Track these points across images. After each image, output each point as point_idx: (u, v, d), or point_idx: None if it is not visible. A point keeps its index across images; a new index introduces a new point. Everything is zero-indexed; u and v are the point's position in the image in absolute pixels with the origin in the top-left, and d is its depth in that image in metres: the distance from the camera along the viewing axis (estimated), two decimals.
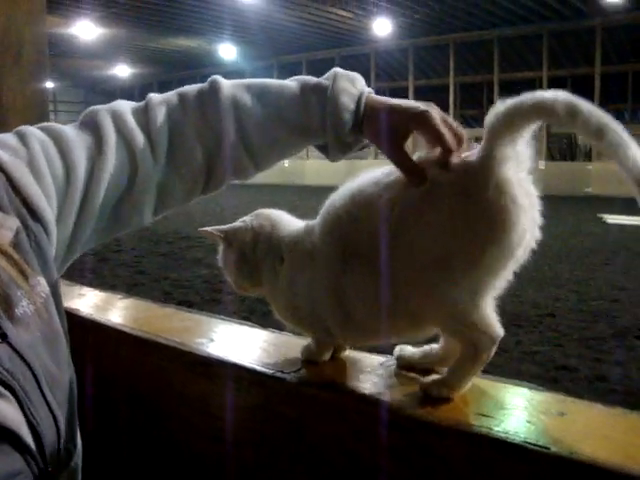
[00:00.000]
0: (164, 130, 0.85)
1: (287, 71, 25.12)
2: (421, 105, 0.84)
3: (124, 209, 0.85)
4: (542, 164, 19.09)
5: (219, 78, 0.90)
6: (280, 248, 0.99)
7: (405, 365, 0.96)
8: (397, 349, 0.98)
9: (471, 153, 0.83)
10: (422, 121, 0.83)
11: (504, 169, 0.79)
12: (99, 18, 17.94)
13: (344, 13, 18.28)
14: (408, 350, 0.97)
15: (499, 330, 0.83)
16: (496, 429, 0.73)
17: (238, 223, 1.04)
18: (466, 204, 0.80)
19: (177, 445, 1.10)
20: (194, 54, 24.80)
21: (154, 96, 0.89)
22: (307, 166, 22.41)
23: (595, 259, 7.65)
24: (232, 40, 21.98)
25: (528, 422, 0.74)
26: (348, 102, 0.86)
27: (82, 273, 6.54)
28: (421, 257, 0.81)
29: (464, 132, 0.84)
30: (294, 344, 1.04)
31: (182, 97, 0.89)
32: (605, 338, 4.48)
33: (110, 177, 0.81)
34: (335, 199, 0.91)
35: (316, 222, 0.95)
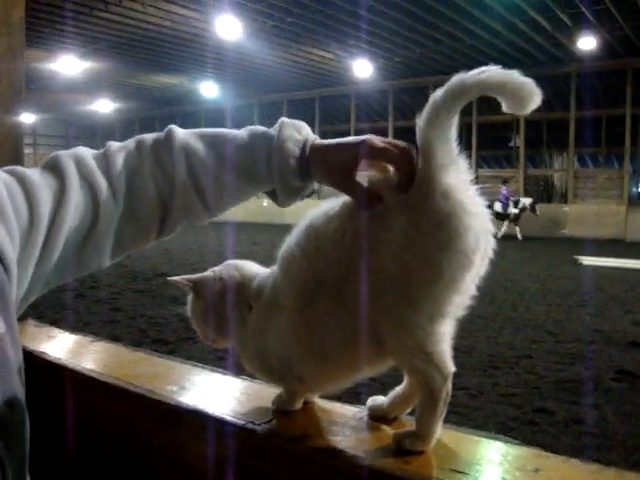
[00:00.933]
0: (122, 175, 0.88)
1: (268, 110, 25.40)
2: (362, 140, 0.87)
3: (86, 251, 0.86)
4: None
5: (174, 127, 0.94)
6: (248, 297, 0.99)
7: (377, 415, 0.94)
8: (369, 400, 0.97)
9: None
10: (366, 147, 0.86)
11: (445, 175, 0.81)
12: (82, 53, 18.04)
13: (325, 54, 18.58)
14: (379, 400, 0.96)
15: (451, 366, 0.83)
16: None
17: (207, 273, 1.04)
18: (415, 217, 0.80)
19: None
20: (176, 91, 24.97)
21: (113, 143, 0.93)
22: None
23: (571, 301, 7.71)
24: (214, 78, 22.20)
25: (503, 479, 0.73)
26: (293, 148, 0.89)
27: (57, 310, 6.51)
28: (379, 279, 0.81)
29: (412, 149, 0.86)
30: (267, 393, 1.03)
31: (139, 144, 0.92)
32: (581, 380, 4.50)
33: (73, 219, 0.83)
34: (289, 239, 0.92)
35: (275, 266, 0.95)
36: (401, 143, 0.86)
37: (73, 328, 4.76)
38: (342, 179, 0.87)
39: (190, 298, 1.04)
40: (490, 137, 23.43)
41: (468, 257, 0.79)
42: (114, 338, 5.41)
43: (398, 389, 0.94)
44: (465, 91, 0.81)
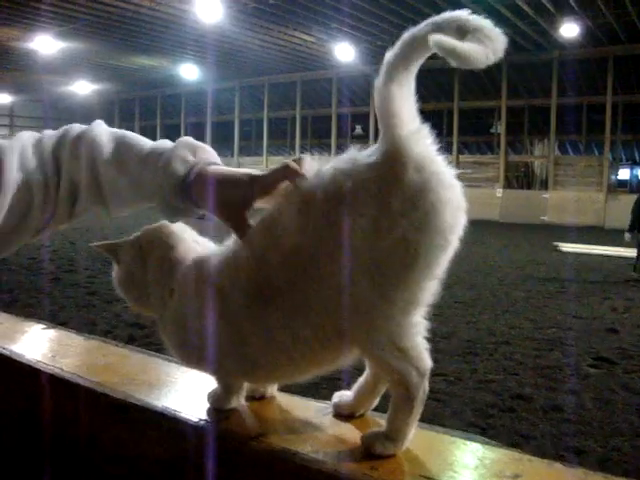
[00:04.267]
0: (52, 165, 0.94)
1: (248, 93, 25.18)
2: (249, 178, 0.84)
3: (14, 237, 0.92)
4: (499, 192, 19.44)
5: (98, 124, 0.96)
6: (172, 277, 0.90)
7: (343, 413, 0.87)
8: (335, 396, 0.89)
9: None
10: (258, 186, 0.83)
11: (415, 144, 0.73)
12: (59, 33, 17.67)
13: (307, 37, 18.40)
14: (345, 396, 0.88)
15: (428, 362, 0.75)
16: None
17: (131, 237, 0.96)
18: (385, 196, 0.72)
19: None
20: (156, 73, 24.62)
21: (47, 132, 0.98)
22: None
23: (550, 287, 7.73)
24: (194, 61, 21.91)
25: None
26: (178, 168, 0.87)
27: (32, 294, 6.41)
28: (346, 271, 0.72)
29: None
30: None
31: (64, 136, 0.96)
32: (560, 367, 4.50)
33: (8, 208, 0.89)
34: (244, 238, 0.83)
35: (219, 256, 0.86)
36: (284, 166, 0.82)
37: (48, 312, 4.68)
38: (229, 218, 0.84)
39: (113, 265, 0.97)
40: (471, 123, 23.45)
41: (446, 237, 0.72)
42: (89, 322, 5.36)
43: (362, 381, 0.86)
44: (418, 40, 0.73)
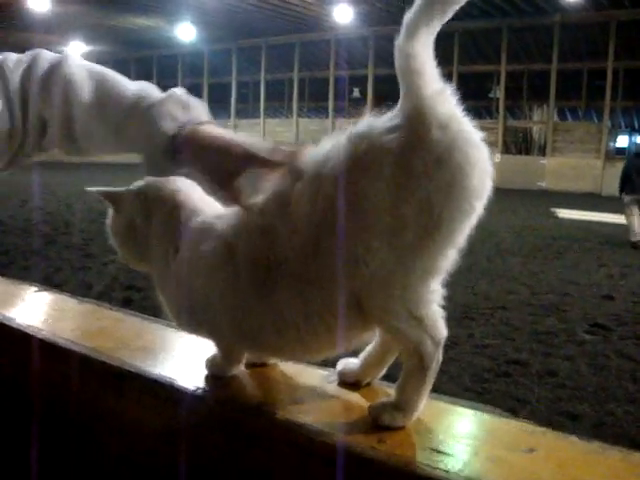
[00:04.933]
0: (19, 95, 0.90)
1: (246, 55, 24.80)
2: (245, 146, 0.80)
3: None
4: (497, 157, 19.33)
5: (70, 57, 0.92)
6: (178, 234, 0.85)
7: (349, 381, 0.84)
8: (340, 363, 0.86)
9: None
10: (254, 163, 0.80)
11: (441, 105, 0.69)
12: None
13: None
14: (351, 363, 0.85)
15: (443, 331, 0.72)
16: (453, 471, 0.61)
17: (133, 187, 0.90)
18: (408, 158, 0.67)
19: (86, 465, 0.96)
20: (152, 34, 24.17)
21: (10, 55, 0.95)
22: None
23: (547, 253, 7.73)
24: (191, 21, 21.50)
25: (492, 462, 0.62)
26: (168, 127, 0.83)
27: (27, 256, 6.37)
28: (361, 238, 0.69)
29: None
30: None
31: (33, 66, 0.92)
32: (555, 332, 4.51)
33: None
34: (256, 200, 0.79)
35: (228, 221, 0.82)
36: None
37: (44, 274, 4.65)
38: (218, 185, 0.81)
39: (110, 212, 0.91)
40: (470, 88, 23.18)
41: (471, 202, 0.68)
42: (85, 285, 5.34)
43: (370, 349, 0.83)
44: None
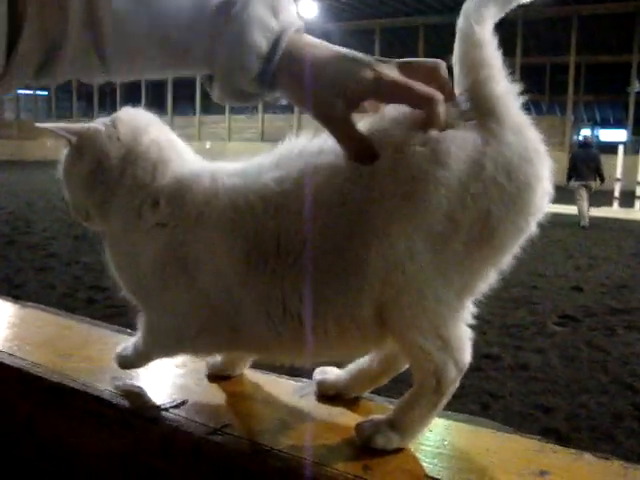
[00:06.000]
0: None
1: None
2: (375, 65, 0.60)
3: None
4: None
5: None
6: (158, 185, 0.71)
7: (328, 393, 0.73)
8: (317, 372, 0.75)
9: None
10: (387, 87, 0.59)
11: (513, 104, 0.62)
12: None
13: None
14: (332, 373, 0.75)
15: (468, 355, 0.63)
16: None
17: (98, 124, 0.75)
18: (481, 158, 0.59)
19: None
20: None
21: None
22: (229, 148, 21.93)
23: None
24: None
25: None
26: (259, 40, 0.60)
27: None
28: (409, 234, 0.59)
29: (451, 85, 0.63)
30: (196, 366, 0.79)
31: None
32: (525, 325, 4.51)
33: None
34: (250, 181, 0.67)
35: (233, 183, 0.68)
36: (446, 82, 0.62)
37: (3, 276, 4.49)
38: (332, 115, 0.60)
39: (65, 153, 0.76)
40: None
41: (527, 220, 0.61)
42: (47, 285, 5.20)
43: (363, 364, 0.73)
44: None
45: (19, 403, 0.82)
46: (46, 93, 29.72)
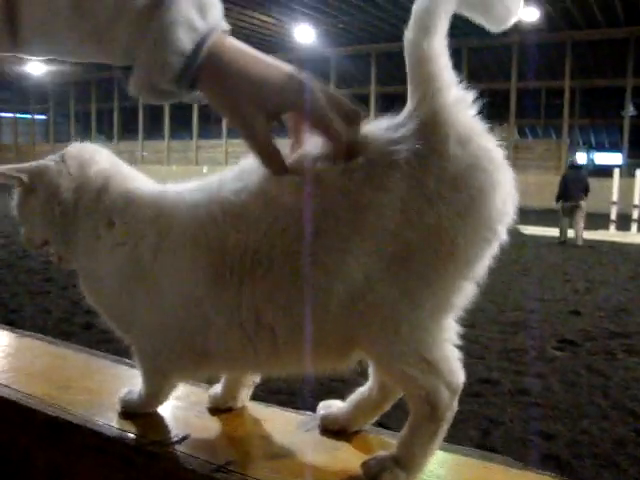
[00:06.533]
0: None
1: None
2: (294, 78, 0.60)
3: None
4: None
5: None
6: (111, 206, 0.73)
7: (332, 428, 0.72)
8: (322, 406, 0.74)
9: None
10: (310, 107, 0.60)
11: (459, 112, 0.60)
12: None
13: (266, 18, 18.08)
14: (335, 406, 0.73)
15: (460, 376, 0.62)
16: None
17: (47, 161, 0.78)
18: (420, 175, 0.58)
19: None
20: None
21: None
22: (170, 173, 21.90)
23: (512, 269, 7.73)
24: None
25: None
26: (184, 39, 0.58)
27: None
28: (364, 262, 0.58)
29: (359, 111, 0.62)
30: (197, 399, 0.77)
31: None
32: (525, 350, 4.46)
33: None
34: (212, 194, 0.67)
35: (193, 199, 0.69)
36: (348, 106, 0.62)
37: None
38: (249, 124, 0.60)
39: (19, 192, 0.79)
40: None
41: (492, 228, 0.60)
42: (44, 310, 5.14)
43: (363, 392, 0.71)
44: None
45: (17, 435, 0.80)
46: (44, 117, 29.86)
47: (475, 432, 3.07)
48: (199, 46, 0.59)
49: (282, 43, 20.89)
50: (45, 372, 0.90)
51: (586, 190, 10.34)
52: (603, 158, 27.58)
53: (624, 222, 11.68)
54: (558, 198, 10.47)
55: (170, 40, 0.58)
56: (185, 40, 0.58)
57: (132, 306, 0.71)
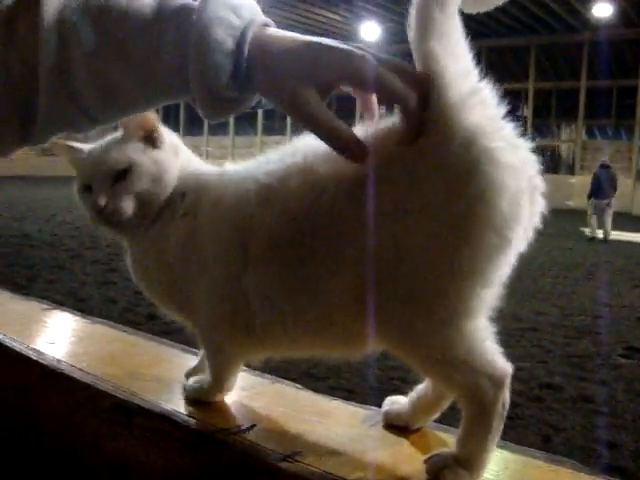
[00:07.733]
0: None
1: None
2: (349, 50, 0.58)
3: None
4: None
5: None
6: (184, 182, 0.78)
7: (397, 424, 0.71)
8: (387, 402, 0.74)
9: None
10: (363, 74, 0.56)
11: (466, 111, 0.56)
12: None
13: (332, 15, 18.10)
14: (399, 403, 0.73)
15: (503, 365, 0.61)
16: None
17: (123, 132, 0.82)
18: (419, 184, 0.56)
19: None
20: None
21: None
22: None
23: (577, 273, 7.54)
24: None
25: None
26: (223, 37, 0.57)
27: (53, 270, 6.37)
28: (386, 258, 0.57)
29: (427, 74, 0.57)
30: (255, 384, 0.78)
31: None
32: (589, 355, 4.35)
33: None
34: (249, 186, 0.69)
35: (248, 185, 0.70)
36: (414, 72, 0.58)
37: (68, 289, 4.63)
38: (297, 108, 0.58)
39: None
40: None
41: (500, 233, 0.56)
42: (109, 300, 5.30)
43: (421, 391, 0.71)
44: None
45: (86, 418, 0.83)
46: None
47: (535, 437, 3.00)
48: (240, 42, 0.58)
49: (348, 40, 20.90)
50: (116, 358, 0.93)
51: (616, 186, 11.17)
52: None
53: None
54: (590, 196, 11.17)
55: (210, 42, 0.57)
56: (225, 38, 0.58)
57: (189, 279, 0.74)
